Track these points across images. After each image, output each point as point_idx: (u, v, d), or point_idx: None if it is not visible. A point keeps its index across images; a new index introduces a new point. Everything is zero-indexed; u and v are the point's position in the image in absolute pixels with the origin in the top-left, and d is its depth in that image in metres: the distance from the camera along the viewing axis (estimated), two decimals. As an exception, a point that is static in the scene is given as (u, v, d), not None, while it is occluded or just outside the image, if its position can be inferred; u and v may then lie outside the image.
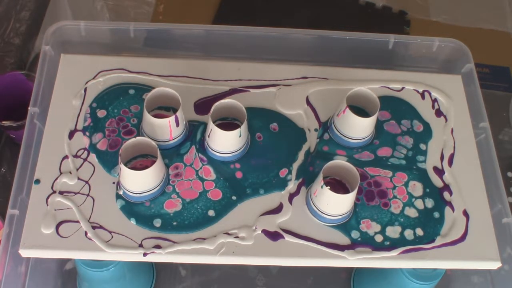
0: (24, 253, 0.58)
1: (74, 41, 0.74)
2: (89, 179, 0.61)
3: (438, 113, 0.70)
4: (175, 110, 0.62)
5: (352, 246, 0.60)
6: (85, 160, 0.62)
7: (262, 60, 0.74)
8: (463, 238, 0.61)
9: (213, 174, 0.62)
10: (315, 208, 0.60)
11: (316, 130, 0.67)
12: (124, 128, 0.64)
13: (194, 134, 0.64)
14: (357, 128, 0.63)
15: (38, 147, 0.63)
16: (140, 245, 0.58)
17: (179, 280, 0.76)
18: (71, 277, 0.73)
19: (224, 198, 0.61)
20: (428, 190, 0.64)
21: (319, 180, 0.58)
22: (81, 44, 0.75)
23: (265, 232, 0.60)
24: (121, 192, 0.60)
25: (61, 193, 0.60)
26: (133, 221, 0.59)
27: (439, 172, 0.65)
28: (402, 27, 1.04)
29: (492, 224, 0.63)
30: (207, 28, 0.78)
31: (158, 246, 0.58)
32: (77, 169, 0.62)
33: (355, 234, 0.60)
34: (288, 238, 0.60)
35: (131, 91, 0.67)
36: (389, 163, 0.65)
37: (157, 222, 0.59)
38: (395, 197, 0.63)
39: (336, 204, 0.58)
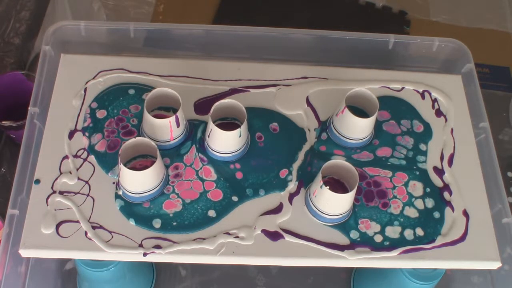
0: (24, 253, 0.58)
1: (74, 41, 0.74)
2: (89, 179, 0.61)
3: (438, 113, 0.70)
4: (175, 110, 0.62)
5: (352, 246, 0.60)
6: (85, 160, 0.62)
7: (262, 60, 0.74)
8: (463, 238, 0.61)
9: (214, 175, 0.62)
10: (314, 208, 0.60)
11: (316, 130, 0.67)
12: (124, 128, 0.64)
13: (194, 133, 0.64)
14: (356, 129, 0.63)
15: (38, 147, 0.63)
16: (140, 245, 0.58)
17: (179, 280, 0.76)
18: (71, 277, 0.73)
19: (225, 199, 0.61)
20: (428, 190, 0.64)
21: (318, 180, 0.58)
22: (81, 44, 0.75)
23: (265, 232, 0.60)
24: (120, 192, 0.60)
25: (61, 193, 0.60)
26: (132, 222, 0.59)
27: (439, 172, 0.65)
28: (402, 27, 1.04)
29: (492, 224, 0.63)
30: (207, 28, 0.78)
31: (158, 246, 0.58)
32: (77, 169, 0.62)
33: (354, 234, 0.60)
34: (288, 238, 0.60)
35: (131, 91, 0.67)
36: (388, 163, 0.65)
37: (157, 223, 0.59)
38: (394, 197, 0.63)
39: (336, 204, 0.58)
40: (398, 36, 0.77)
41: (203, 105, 0.67)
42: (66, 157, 0.62)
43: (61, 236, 0.58)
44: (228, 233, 0.59)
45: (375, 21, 1.05)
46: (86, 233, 0.58)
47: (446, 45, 0.77)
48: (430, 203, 0.63)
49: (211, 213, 0.60)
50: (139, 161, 0.62)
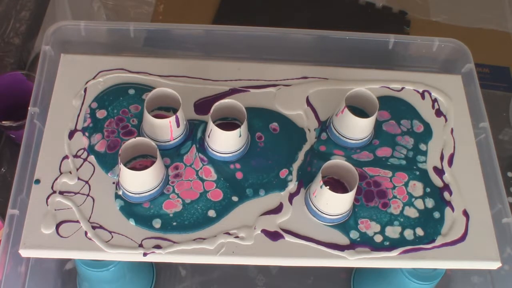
0: (24, 253, 0.58)
1: (74, 41, 0.74)
2: (89, 179, 0.61)
3: (438, 113, 0.70)
4: (175, 110, 0.62)
5: (352, 246, 0.60)
6: (85, 160, 0.62)
7: (262, 60, 0.74)
8: (463, 238, 0.61)
9: (214, 175, 0.62)
10: (314, 208, 0.60)
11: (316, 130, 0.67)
12: (124, 128, 0.64)
13: (194, 133, 0.64)
14: (356, 129, 0.63)
15: (38, 147, 0.63)
16: (140, 245, 0.58)
17: (179, 280, 0.76)
18: (71, 277, 0.73)
19: (225, 199, 0.61)
20: (428, 190, 0.64)
21: (318, 180, 0.58)
22: (81, 44, 0.75)
23: (265, 232, 0.60)
24: (120, 192, 0.60)
25: (61, 193, 0.60)
26: (132, 222, 0.59)
27: (439, 172, 0.65)
28: (402, 27, 1.04)
29: (492, 224, 0.63)
30: (207, 28, 0.78)
31: (158, 246, 0.58)
32: (77, 169, 0.62)
33: (354, 234, 0.60)
34: (288, 238, 0.60)
35: (131, 91, 0.67)
36: (388, 163, 0.65)
37: (157, 223, 0.59)
38: (394, 197, 0.63)
39: (336, 204, 0.58)
40: (398, 36, 0.77)
41: (203, 105, 0.67)
42: (66, 157, 0.62)
43: (61, 236, 0.58)
44: (228, 233, 0.59)
45: (375, 21, 1.05)
46: (86, 233, 0.58)
47: (446, 45, 0.77)
48: (430, 203, 0.63)
49: (211, 213, 0.60)
50: (139, 161, 0.62)
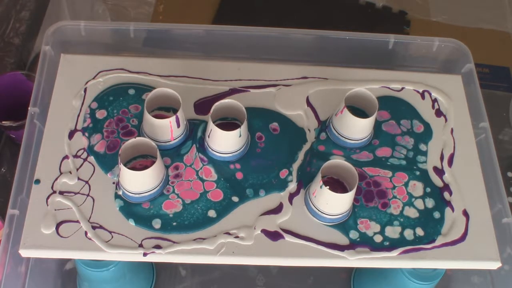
0: (24, 253, 0.58)
1: (74, 41, 0.74)
2: (89, 179, 0.61)
3: (438, 113, 0.70)
4: (175, 110, 0.62)
5: (352, 246, 0.60)
6: (85, 160, 0.62)
7: (262, 60, 0.74)
8: (463, 238, 0.61)
9: (214, 175, 0.62)
10: (314, 208, 0.60)
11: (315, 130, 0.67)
12: (124, 128, 0.64)
13: (194, 133, 0.64)
14: (355, 129, 0.63)
15: (38, 147, 0.63)
16: (140, 245, 0.58)
17: (179, 280, 0.76)
18: (71, 277, 0.73)
19: (225, 199, 0.61)
20: (428, 190, 0.64)
21: (318, 180, 0.58)
22: (81, 44, 0.75)
23: (265, 232, 0.60)
24: (120, 193, 0.60)
25: (61, 193, 0.60)
26: (131, 222, 0.59)
27: (439, 172, 0.65)
28: (402, 27, 1.04)
29: (492, 224, 0.63)
30: (207, 28, 0.78)
31: (158, 246, 0.58)
32: (77, 169, 0.62)
33: (353, 234, 0.60)
34: (288, 238, 0.60)
35: (131, 91, 0.67)
36: (388, 163, 0.65)
37: (157, 223, 0.59)
38: (394, 197, 0.63)
39: (335, 204, 0.58)
40: (398, 36, 0.77)
41: (203, 105, 0.67)
42: (66, 157, 0.62)
43: (61, 236, 0.58)
44: (228, 233, 0.59)
45: (375, 21, 1.05)
46: (86, 233, 0.58)
47: (446, 45, 0.77)
48: (430, 203, 0.63)
49: (211, 213, 0.60)
50: (139, 161, 0.62)
